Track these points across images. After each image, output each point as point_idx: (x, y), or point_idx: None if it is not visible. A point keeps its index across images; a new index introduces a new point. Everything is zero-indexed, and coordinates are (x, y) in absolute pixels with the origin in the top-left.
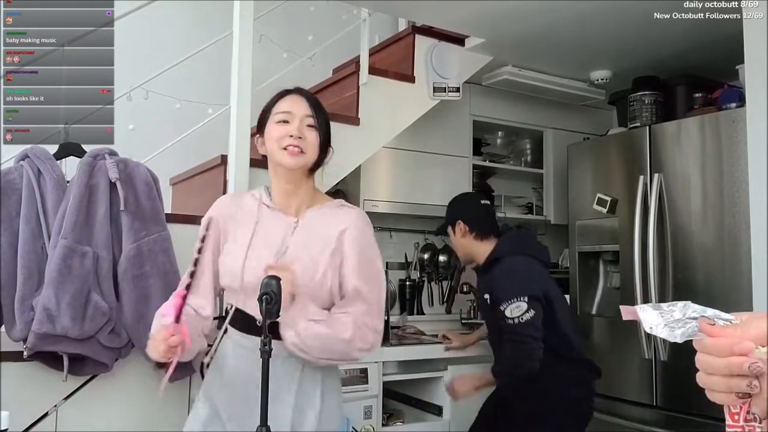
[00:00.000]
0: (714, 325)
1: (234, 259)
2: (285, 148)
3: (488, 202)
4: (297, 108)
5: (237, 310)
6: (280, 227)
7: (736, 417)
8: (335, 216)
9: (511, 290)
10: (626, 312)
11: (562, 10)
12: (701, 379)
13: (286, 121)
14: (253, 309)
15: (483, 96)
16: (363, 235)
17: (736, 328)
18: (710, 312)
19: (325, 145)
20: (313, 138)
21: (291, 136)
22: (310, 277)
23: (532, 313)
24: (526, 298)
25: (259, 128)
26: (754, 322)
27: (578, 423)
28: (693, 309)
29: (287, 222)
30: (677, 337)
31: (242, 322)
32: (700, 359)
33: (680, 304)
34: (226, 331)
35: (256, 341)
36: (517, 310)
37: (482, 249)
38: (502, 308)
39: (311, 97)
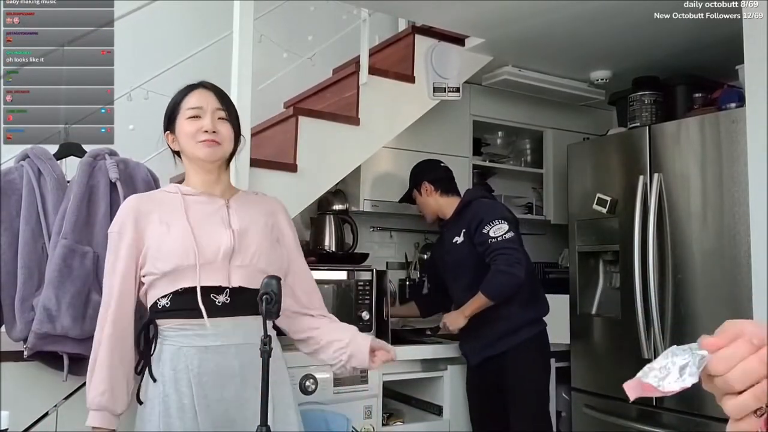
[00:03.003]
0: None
1: (179, 237)
2: (200, 142)
3: (446, 165)
4: (207, 102)
5: (183, 293)
6: (212, 207)
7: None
8: (261, 200)
9: (493, 214)
10: (630, 389)
11: (562, 11)
12: (729, 407)
13: (197, 116)
14: (216, 279)
15: (483, 96)
16: (290, 218)
17: (727, 332)
18: (694, 345)
19: (237, 136)
20: (226, 130)
21: (206, 131)
22: (261, 247)
23: (512, 233)
24: (506, 222)
25: (169, 125)
26: (730, 328)
27: (542, 354)
28: (681, 349)
29: (218, 203)
30: (695, 376)
31: (190, 306)
32: (723, 381)
33: (667, 352)
34: (156, 333)
35: (217, 329)
36: (499, 230)
37: (448, 203)
38: (485, 230)
39: (219, 90)
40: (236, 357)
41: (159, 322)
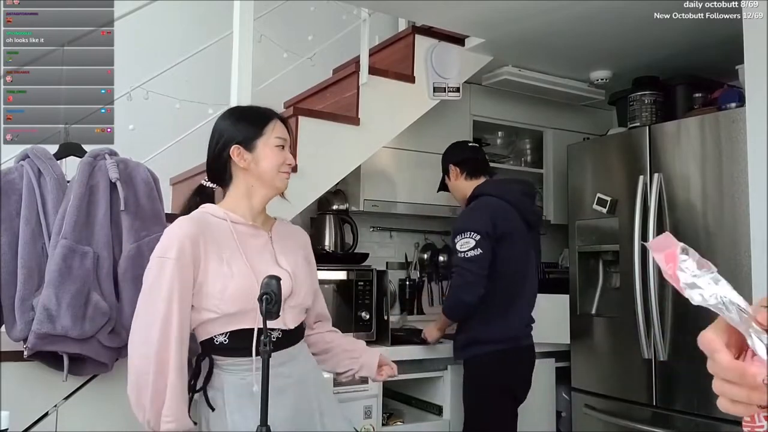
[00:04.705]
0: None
1: (242, 281)
2: (283, 173)
3: (477, 145)
4: (287, 136)
5: (239, 332)
6: (260, 241)
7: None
8: (293, 233)
9: (464, 225)
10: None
11: (562, 10)
12: (719, 387)
13: (282, 147)
14: (273, 321)
15: (483, 96)
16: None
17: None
18: (742, 303)
19: None
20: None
21: (289, 164)
22: (309, 285)
23: (479, 251)
24: (477, 236)
25: (243, 142)
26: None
27: (490, 375)
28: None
29: (263, 236)
30: (708, 301)
31: (246, 345)
32: (715, 369)
33: (708, 277)
34: (212, 365)
35: (280, 358)
36: (465, 245)
37: (473, 187)
38: (455, 241)
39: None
40: (291, 375)
41: (214, 356)
